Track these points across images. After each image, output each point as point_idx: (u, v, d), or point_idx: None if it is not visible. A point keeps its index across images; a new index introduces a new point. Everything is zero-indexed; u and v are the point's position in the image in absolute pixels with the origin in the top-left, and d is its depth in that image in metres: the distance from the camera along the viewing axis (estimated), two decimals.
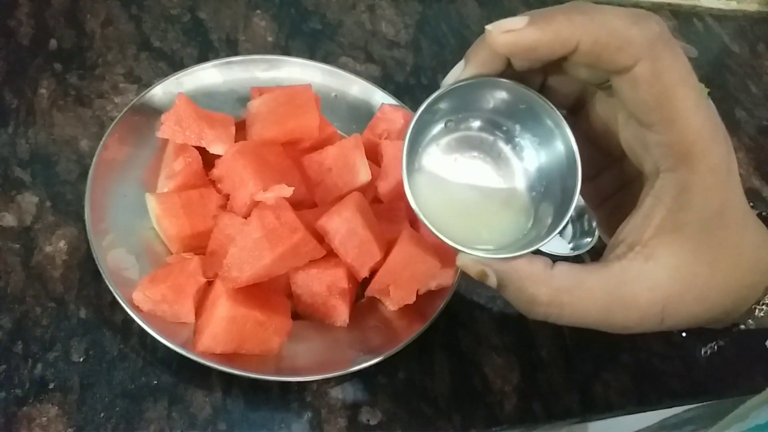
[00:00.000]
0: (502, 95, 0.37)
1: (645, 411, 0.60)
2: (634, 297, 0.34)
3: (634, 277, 0.34)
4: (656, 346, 0.63)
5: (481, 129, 0.39)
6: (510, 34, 0.32)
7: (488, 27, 0.33)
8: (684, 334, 0.48)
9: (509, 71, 0.35)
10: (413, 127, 0.36)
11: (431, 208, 0.36)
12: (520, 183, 0.39)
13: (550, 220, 0.37)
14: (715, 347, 0.45)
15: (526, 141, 0.39)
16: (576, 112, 0.39)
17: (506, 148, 0.39)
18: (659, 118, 0.32)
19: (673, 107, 0.31)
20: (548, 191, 0.39)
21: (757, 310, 0.38)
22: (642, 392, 0.60)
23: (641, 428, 0.73)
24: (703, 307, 0.35)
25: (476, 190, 0.39)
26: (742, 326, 0.40)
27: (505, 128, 0.39)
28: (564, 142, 0.37)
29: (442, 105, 0.37)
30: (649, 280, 0.34)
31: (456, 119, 0.39)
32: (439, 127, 0.39)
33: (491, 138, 0.39)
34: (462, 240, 0.35)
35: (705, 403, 0.65)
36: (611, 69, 0.32)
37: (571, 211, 0.35)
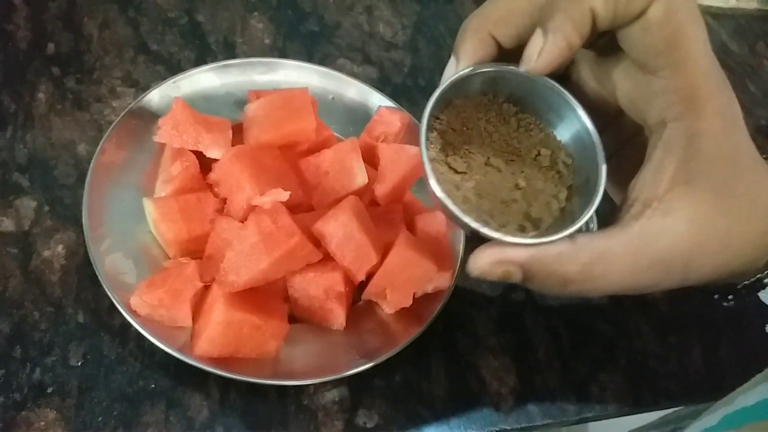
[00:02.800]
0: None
1: (641, 412, 0.60)
2: (659, 255, 0.34)
3: (655, 235, 0.33)
4: (652, 347, 0.63)
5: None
6: (542, 59, 0.32)
7: (521, 69, 0.34)
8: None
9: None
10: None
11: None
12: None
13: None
14: (732, 298, 0.44)
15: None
16: (563, 80, 0.38)
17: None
18: (668, 61, 0.32)
19: (683, 48, 0.31)
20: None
21: None
22: (638, 393, 0.60)
23: (644, 424, 0.73)
24: (725, 258, 0.35)
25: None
26: (766, 279, 0.39)
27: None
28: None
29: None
30: (670, 236, 0.33)
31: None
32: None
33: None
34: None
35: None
36: (626, 20, 0.32)
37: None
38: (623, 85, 0.36)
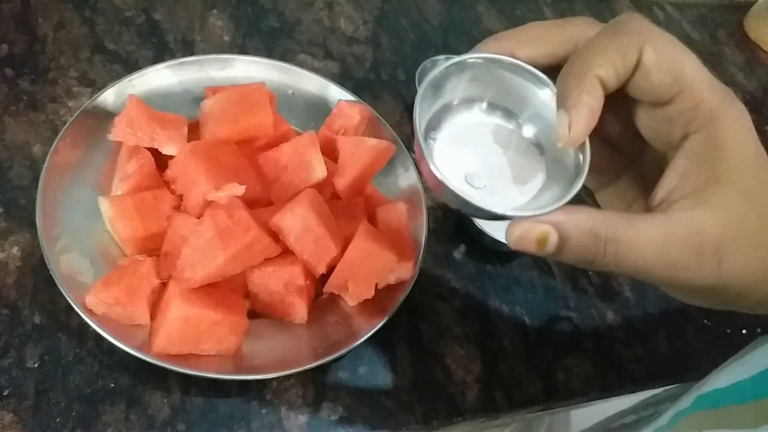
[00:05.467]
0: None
1: (608, 397, 0.61)
2: (688, 234, 0.33)
3: (684, 221, 0.33)
4: (617, 332, 0.64)
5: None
6: (574, 132, 0.34)
7: (559, 145, 0.35)
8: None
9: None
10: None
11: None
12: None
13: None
14: None
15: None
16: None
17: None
18: (676, 89, 0.34)
19: (685, 75, 0.33)
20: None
21: None
22: (604, 378, 0.60)
23: (623, 409, 0.74)
24: (758, 254, 0.34)
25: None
26: None
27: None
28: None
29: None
30: (699, 222, 0.33)
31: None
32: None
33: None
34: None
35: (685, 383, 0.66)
36: (627, 74, 0.34)
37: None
38: (643, 120, 0.37)
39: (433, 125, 0.39)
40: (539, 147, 0.40)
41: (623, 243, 0.33)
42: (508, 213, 0.34)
